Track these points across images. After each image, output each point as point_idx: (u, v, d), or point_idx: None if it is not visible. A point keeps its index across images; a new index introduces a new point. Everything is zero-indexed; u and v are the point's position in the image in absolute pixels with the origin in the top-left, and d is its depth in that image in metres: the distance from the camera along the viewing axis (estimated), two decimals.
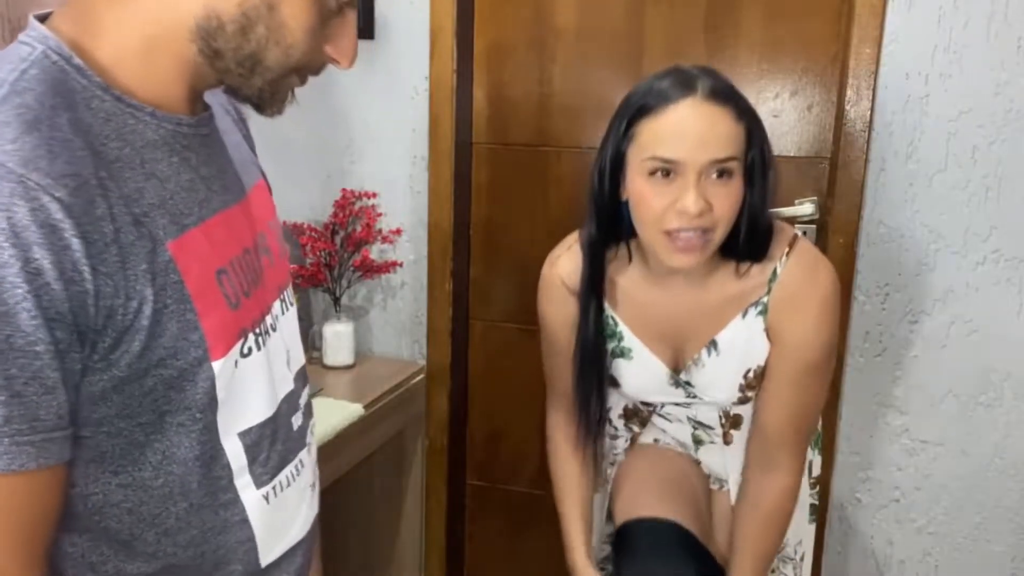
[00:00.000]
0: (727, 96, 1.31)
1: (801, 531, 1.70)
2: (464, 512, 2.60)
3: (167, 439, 0.83)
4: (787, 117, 2.13)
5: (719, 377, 1.51)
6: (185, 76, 0.83)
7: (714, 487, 1.71)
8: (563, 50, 2.24)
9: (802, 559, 1.71)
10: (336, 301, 2.30)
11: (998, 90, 1.93)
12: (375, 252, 2.37)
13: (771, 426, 1.51)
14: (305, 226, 2.29)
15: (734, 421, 1.60)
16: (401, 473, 2.46)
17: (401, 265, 2.37)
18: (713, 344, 1.48)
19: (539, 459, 2.47)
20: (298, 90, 0.91)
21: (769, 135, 2.10)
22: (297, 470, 1.01)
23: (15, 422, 0.70)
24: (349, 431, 2.00)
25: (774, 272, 1.43)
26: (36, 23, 0.79)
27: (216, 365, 0.83)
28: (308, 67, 0.88)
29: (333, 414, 1.99)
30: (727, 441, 1.62)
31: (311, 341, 2.35)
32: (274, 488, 0.96)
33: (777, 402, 1.49)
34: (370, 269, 2.31)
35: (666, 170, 1.30)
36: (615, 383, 1.59)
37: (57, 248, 0.69)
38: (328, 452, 1.91)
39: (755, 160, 1.35)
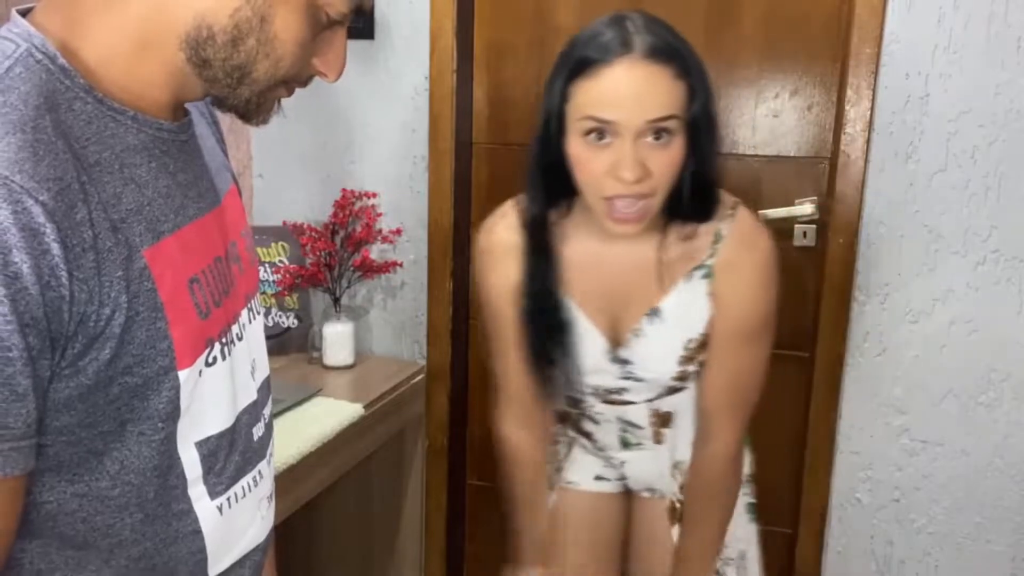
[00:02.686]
0: (667, 53, 1.24)
1: (740, 530, 1.66)
2: (464, 512, 2.60)
3: (127, 448, 0.81)
4: (787, 117, 2.13)
5: (659, 347, 1.47)
6: (171, 84, 0.81)
7: (644, 495, 1.68)
8: None
9: (743, 558, 1.67)
10: (336, 301, 2.30)
11: (998, 90, 1.92)
12: (375, 252, 2.37)
13: (708, 392, 1.50)
14: (305, 226, 2.29)
15: (663, 419, 1.57)
16: (401, 473, 2.46)
17: (401, 265, 2.37)
18: (655, 312, 1.44)
19: None
20: (298, 90, 0.90)
21: (769, 135, 2.13)
22: (255, 481, 0.99)
23: None
24: (349, 431, 1.99)
25: (718, 234, 1.40)
26: (19, 18, 0.78)
27: (182, 374, 0.82)
28: (295, 79, 0.86)
29: (333, 414, 1.99)
30: (658, 440, 1.59)
31: (311, 341, 2.35)
32: (228, 499, 0.94)
33: (714, 368, 1.47)
34: (370, 269, 2.31)
35: (601, 131, 1.26)
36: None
37: (37, 252, 0.68)
38: (327, 452, 1.91)
39: (698, 116, 1.28)
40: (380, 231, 2.32)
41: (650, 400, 1.55)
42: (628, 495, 1.72)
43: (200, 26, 0.78)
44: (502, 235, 1.50)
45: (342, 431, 1.97)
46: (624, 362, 1.49)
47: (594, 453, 1.68)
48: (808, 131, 2.12)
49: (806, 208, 2.12)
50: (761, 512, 1.67)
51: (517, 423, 1.64)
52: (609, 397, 1.56)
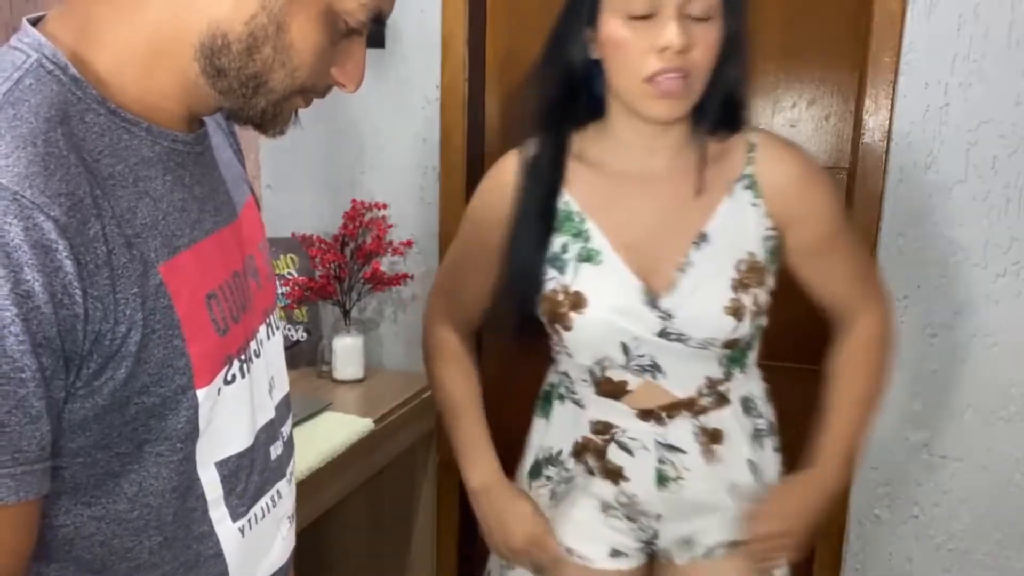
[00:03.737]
0: None
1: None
2: (477, 529, 2.56)
3: (144, 470, 0.80)
4: (804, 127, 2.10)
5: (709, 276, 1.35)
6: (184, 96, 0.80)
7: (680, 562, 1.50)
8: None
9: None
10: (346, 314, 2.28)
11: (1019, 99, 1.90)
12: (385, 264, 2.35)
13: (840, 295, 1.47)
14: (314, 237, 2.26)
15: (713, 435, 1.43)
16: (412, 489, 2.43)
17: (412, 277, 2.34)
18: (703, 237, 1.36)
19: None
20: None
21: None
22: (273, 501, 0.98)
23: None
24: (359, 446, 1.96)
25: (749, 143, 1.38)
26: (30, 28, 0.76)
27: (200, 393, 0.81)
28: (313, 89, 0.85)
29: (342, 429, 1.96)
30: (709, 459, 1.44)
31: (320, 355, 2.33)
32: (250, 520, 0.93)
33: (831, 275, 1.45)
34: (380, 281, 2.28)
35: (644, 10, 1.24)
36: (578, 305, 1.38)
37: (49, 270, 0.66)
38: (337, 468, 1.89)
39: (733, 20, 1.28)
40: (391, 243, 2.30)
41: (692, 408, 1.42)
42: (649, 567, 1.55)
43: (215, 34, 0.76)
44: (506, 176, 1.46)
45: (352, 446, 1.94)
46: (665, 316, 1.36)
47: (616, 515, 1.49)
48: (826, 141, 2.10)
49: None
50: None
51: (457, 322, 1.61)
52: (643, 373, 1.41)
